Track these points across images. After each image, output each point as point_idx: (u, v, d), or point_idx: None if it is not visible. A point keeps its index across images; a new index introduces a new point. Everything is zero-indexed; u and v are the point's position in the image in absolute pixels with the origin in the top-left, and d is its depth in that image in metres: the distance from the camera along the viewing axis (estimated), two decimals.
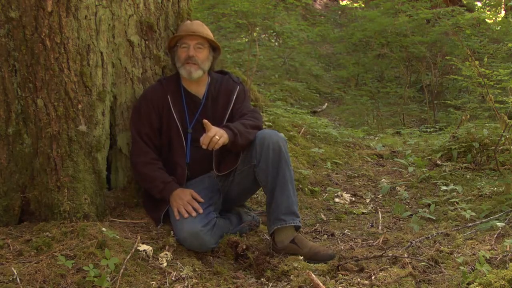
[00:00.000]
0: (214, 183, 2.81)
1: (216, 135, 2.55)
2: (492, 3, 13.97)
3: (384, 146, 5.56)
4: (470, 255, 2.34)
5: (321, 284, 2.15)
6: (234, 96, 2.84)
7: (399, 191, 3.87)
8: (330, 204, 3.61)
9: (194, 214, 2.56)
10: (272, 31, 10.28)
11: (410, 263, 2.31)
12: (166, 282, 2.24)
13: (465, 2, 11.37)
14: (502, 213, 2.98)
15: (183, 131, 2.77)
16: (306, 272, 2.25)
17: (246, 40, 9.95)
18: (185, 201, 2.61)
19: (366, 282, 2.22)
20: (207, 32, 2.81)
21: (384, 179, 4.19)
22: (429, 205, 3.46)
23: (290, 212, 2.65)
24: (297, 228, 2.69)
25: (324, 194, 3.80)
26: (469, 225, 2.91)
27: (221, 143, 2.57)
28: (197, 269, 2.39)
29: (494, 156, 3.94)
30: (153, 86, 2.85)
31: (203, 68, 2.77)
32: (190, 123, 2.80)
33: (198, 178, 2.81)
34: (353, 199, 3.76)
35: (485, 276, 2.01)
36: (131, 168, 2.86)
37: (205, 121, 2.59)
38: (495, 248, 2.39)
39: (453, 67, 8.48)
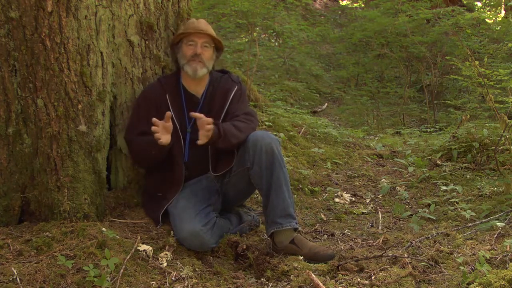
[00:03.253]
0: (212, 184, 2.81)
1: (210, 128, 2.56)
2: (492, 3, 13.97)
3: (384, 146, 5.56)
4: (470, 255, 2.34)
5: (321, 284, 2.15)
6: (231, 96, 2.83)
7: (399, 191, 3.87)
8: (330, 204, 3.61)
9: (158, 134, 2.54)
10: (272, 31, 10.28)
11: (410, 263, 2.31)
12: (166, 282, 2.24)
13: (465, 2, 11.39)
14: (502, 213, 2.98)
15: (181, 130, 2.77)
16: (306, 272, 2.25)
17: (246, 40, 9.95)
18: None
19: (366, 282, 2.22)
20: (213, 32, 2.84)
21: (384, 179, 4.19)
22: (429, 205, 3.46)
23: (286, 215, 2.65)
24: (295, 229, 2.69)
25: (324, 194, 3.80)
26: (469, 225, 2.91)
27: (209, 131, 2.56)
28: (197, 269, 2.39)
29: (494, 156, 3.94)
30: (152, 85, 2.85)
31: (207, 66, 2.79)
32: (189, 122, 2.80)
33: (196, 178, 2.81)
34: (353, 199, 3.76)
35: (485, 276, 2.01)
36: (130, 167, 2.86)
37: (195, 114, 2.57)
38: (495, 248, 2.39)
39: (453, 67, 8.48)
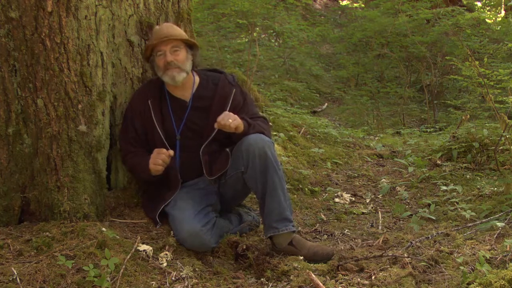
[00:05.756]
0: (209, 186, 2.79)
1: (229, 118, 2.56)
2: (492, 3, 13.99)
3: (384, 146, 5.56)
4: (470, 255, 2.34)
5: (321, 284, 2.15)
6: (230, 101, 2.76)
7: (399, 191, 3.87)
8: (330, 204, 3.61)
9: (163, 161, 2.60)
10: (272, 31, 10.29)
11: (410, 263, 2.31)
12: (166, 282, 2.24)
13: (465, 2, 11.39)
14: (502, 213, 2.98)
15: (171, 136, 2.73)
16: (306, 272, 2.25)
17: (246, 40, 9.96)
18: (155, 154, 2.62)
19: (366, 282, 2.22)
20: (179, 32, 2.73)
21: (384, 179, 4.19)
22: (429, 205, 3.46)
23: (282, 219, 2.63)
24: (293, 232, 2.67)
25: (324, 194, 3.80)
26: (469, 225, 2.91)
27: (234, 126, 2.57)
28: (197, 269, 2.39)
29: (494, 156, 3.94)
30: (139, 91, 2.80)
31: (185, 69, 2.70)
32: (178, 128, 2.75)
33: (193, 181, 2.79)
34: (353, 199, 3.76)
35: (485, 276, 2.01)
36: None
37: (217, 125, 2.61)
38: (495, 248, 2.39)
39: (453, 67, 8.48)
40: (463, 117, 5.18)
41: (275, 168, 2.62)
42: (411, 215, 3.30)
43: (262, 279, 2.41)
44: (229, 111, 2.69)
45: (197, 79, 2.82)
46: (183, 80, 2.71)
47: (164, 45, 2.67)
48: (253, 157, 2.61)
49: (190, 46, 2.76)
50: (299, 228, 3.05)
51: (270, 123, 4.91)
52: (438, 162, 4.36)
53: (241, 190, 2.84)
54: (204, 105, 2.76)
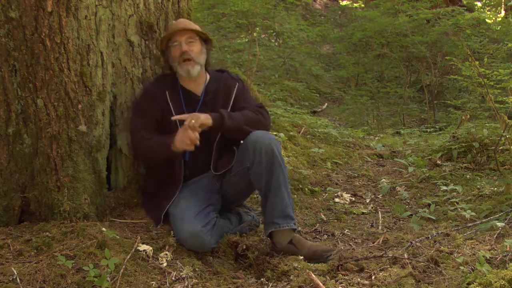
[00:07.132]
0: (212, 184, 2.80)
1: (192, 119, 2.55)
2: (492, 3, 14.00)
3: (384, 146, 5.56)
4: (470, 255, 2.34)
5: (321, 284, 2.15)
6: (234, 94, 2.82)
7: (399, 191, 3.87)
8: (330, 204, 3.61)
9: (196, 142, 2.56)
10: (272, 31, 10.29)
11: (410, 263, 2.31)
12: (166, 282, 2.24)
13: (465, 2, 11.40)
14: (502, 213, 2.98)
15: None
16: (306, 272, 2.25)
17: (246, 40, 9.96)
18: (184, 129, 2.56)
19: (366, 282, 2.22)
20: (194, 26, 2.80)
21: (384, 179, 4.19)
22: (429, 205, 3.46)
23: (285, 215, 2.64)
24: (293, 230, 2.68)
25: (324, 194, 3.80)
26: (469, 225, 2.91)
27: (198, 124, 2.56)
28: (197, 269, 2.39)
29: (494, 156, 3.94)
30: (151, 82, 2.82)
31: (199, 62, 2.74)
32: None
33: (196, 178, 2.80)
34: (353, 199, 3.76)
35: (485, 276, 2.01)
36: (130, 167, 2.86)
37: (175, 117, 2.61)
38: (495, 248, 2.39)
39: (453, 67, 8.48)
40: (463, 117, 5.18)
41: (281, 165, 2.64)
42: (411, 215, 3.30)
43: (262, 279, 2.41)
44: (232, 102, 2.80)
45: (208, 76, 2.88)
46: (197, 74, 2.76)
47: (180, 36, 2.73)
48: (259, 153, 2.63)
49: (205, 40, 2.82)
50: (299, 228, 3.04)
51: (271, 124, 4.92)
52: (438, 162, 4.36)
53: (244, 189, 2.86)
54: (212, 100, 2.81)
